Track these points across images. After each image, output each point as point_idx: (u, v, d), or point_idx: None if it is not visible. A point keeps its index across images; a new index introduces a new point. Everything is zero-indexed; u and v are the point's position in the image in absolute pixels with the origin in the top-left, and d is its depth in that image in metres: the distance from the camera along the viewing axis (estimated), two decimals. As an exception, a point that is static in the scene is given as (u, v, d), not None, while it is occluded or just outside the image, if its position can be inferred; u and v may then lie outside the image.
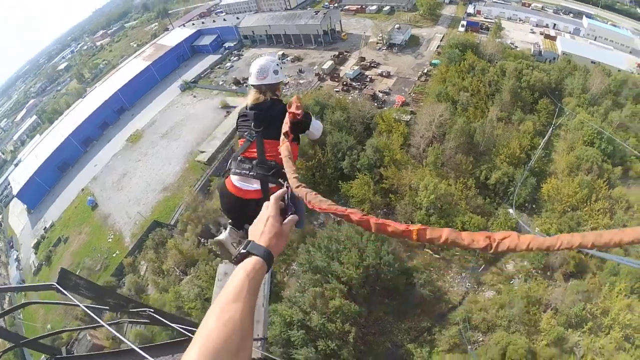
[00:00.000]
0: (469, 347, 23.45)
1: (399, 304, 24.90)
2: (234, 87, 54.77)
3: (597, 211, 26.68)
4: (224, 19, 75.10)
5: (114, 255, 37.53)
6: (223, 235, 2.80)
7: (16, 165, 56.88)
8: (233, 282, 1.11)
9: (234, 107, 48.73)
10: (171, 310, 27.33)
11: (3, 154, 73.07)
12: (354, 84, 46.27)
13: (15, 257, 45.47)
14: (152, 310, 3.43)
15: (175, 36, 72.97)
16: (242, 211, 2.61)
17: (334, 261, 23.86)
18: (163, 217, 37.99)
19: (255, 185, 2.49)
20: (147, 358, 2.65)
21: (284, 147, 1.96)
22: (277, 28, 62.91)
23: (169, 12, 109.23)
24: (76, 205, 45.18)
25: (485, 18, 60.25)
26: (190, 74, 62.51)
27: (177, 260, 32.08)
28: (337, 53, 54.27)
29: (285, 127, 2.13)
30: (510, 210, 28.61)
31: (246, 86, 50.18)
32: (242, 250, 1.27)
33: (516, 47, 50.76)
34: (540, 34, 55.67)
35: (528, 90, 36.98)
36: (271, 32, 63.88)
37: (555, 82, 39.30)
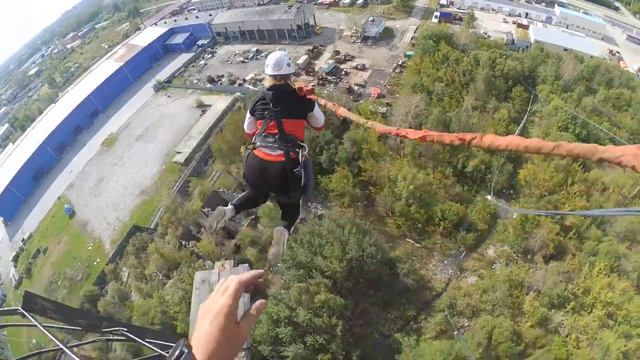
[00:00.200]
0: (456, 332, 23.80)
1: (383, 295, 25.07)
2: (208, 85, 53.84)
3: (573, 194, 27.38)
4: (197, 16, 73.85)
5: (94, 263, 36.62)
6: (216, 213, 3.39)
7: (-10, 176, 54.56)
8: None
9: (209, 105, 48.09)
10: (156, 316, 27.02)
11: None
12: (329, 77, 46.30)
13: (-6, 271, 43.77)
14: (125, 329, 3.27)
15: (147, 35, 71.17)
16: (265, 174, 3.18)
17: (317, 256, 23.82)
18: (142, 221, 37.23)
19: (279, 152, 3.13)
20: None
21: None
22: (250, 24, 62.09)
23: (140, 11, 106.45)
24: (53, 214, 43.79)
25: (458, 9, 61.09)
26: (163, 74, 61.25)
27: (159, 265, 31.48)
28: (311, 47, 54.15)
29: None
30: (489, 197, 29.11)
31: (249, 84, 49.83)
32: None
33: (489, 36, 51.66)
34: (513, 23, 56.89)
35: (502, 79, 37.64)
36: (245, 28, 62.97)
37: (528, 70, 40.16)
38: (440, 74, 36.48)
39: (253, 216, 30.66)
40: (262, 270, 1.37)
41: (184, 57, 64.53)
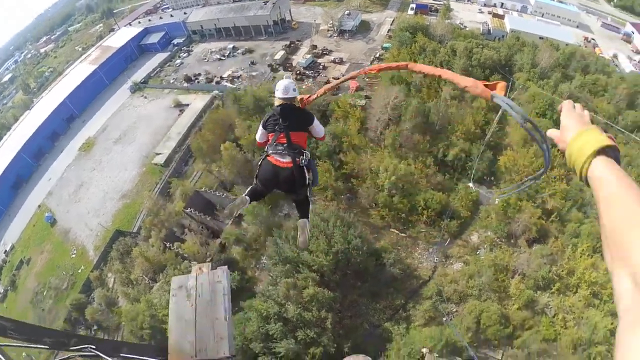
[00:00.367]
0: (445, 318, 24.30)
1: (371, 285, 25.33)
2: (185, 85, 52.93)
3: (553, 178, 28.00)
4: (171, 15, 72.22)
5: (79, 270, 35.85)
6: (237, 201, 4.06)
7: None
8: None
9: (187, 104, 47.29)
10: (145, 320, 26.71)
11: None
12: (307, 72, 46.19)
13: (-22, 286, 42.40)
14: (93, 346, 3.16)
15: (122, 36, 69.36)
16: (277, 177, 3.88)
17: (303, 251, 23.86)
18: (125, 226, 36.55)
19: (288, 159, 3.84)
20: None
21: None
22: (226, 21, 61.19)
23: (114, 11, 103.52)
24: (34, 224, 42.50)
25: (434, 0, 61.41)
26: (139, 75, 59.80)
27: (144, 268, 31.08)
28: (288, 42, 53.79)
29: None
30: (470, 184, 29.58)
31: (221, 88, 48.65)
32: None
33: (465, 27, 52.21)
34: (489, 13, 57.68)
35: (479, 68, 38.16)
36: (220, 25, 62.02)
37: (505, 58, 40.81)
38: (418, 65, 36.76)
39: (236, 215, 30.47)
40: None
41: (160, 57, 63.13)
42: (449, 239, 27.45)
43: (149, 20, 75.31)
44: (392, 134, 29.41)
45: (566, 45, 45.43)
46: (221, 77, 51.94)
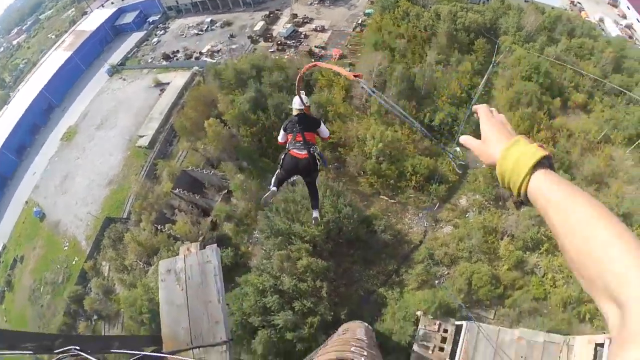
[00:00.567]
0: (437, 281, 24.79)
1: (363, 253, 25.60)
2: (164, 63, 51.53)
3: (540, 141, 27.71)
4: (145, -8, 69.57)
5: (73, 262, 35.82)
6: (269, 194, 5.70)
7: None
8: None
9: (167, 83, 46.20)
10: (143, 305, 26.86)
11: None
12: (288, 42, 45.08)
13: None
14: (77, 347, 2.97)
15: (95, 19, 66.71)
16: (297, 165, 5.53)
17: (295, 222, 23.91)
18: (114, 212, 36.32)
19: (305, 151, 5.43)
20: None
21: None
22: (202, -7, 59.13)
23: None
24: (24, 220, 42.10)
25: (416, -36, 59.64)
26: (116, 57, 58.11)
27: (138, 253, 31.05)
28: (267, 12, 52.20)
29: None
30: (457, 149, 29.57)
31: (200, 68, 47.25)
32: None
33: (449, -11, 50.95)
34: (472, -25, 56.14)
35: (464, 32, 37.42)
36: (196, -1, 59.91)
37: (490, 22, 39.92)
38: (402, 30, 35.96)
39: (225, 191, 30.30)
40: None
41: (136, 37, 61.22)
42: (438, 203, 27.60)
43: (122, -1, 72.42)
44: (377, 101, 28.99)
45: (552, 8, 44.59)
46: (200, 53, 50.67)
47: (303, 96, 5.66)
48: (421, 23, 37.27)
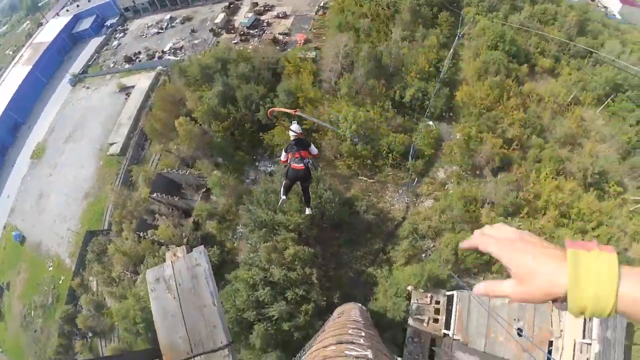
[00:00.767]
0: (423, 255, 25.27)
1: (349, 235, 25.79)
2: (127, 66, 49.98)
3: (511, 108, 28.37)
4: (99, -4, 67.01)
5: (60, 282, 35.15)
6: (282, 201, 10.00)
7: None
8: None
9: (132, 86, 45.02)
10: (136, 315, 26.66)
11: None
12: (251, 31, 44.14)
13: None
14: None
15: (51, 29, 63.92)
16: (297, 174, 8.47)
17: (277, 213, 23.84)
18: (95, 225, 35.57)
19: (301, 164, 8.29)
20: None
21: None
22: (158, -10, 57.30)
23: (39, 4, 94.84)
24: (4, 246, 40.82)
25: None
26: (77, 65, 56.09)
27: (124, 263, 30.52)
28: (227, 3, 50.90)
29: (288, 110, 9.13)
30: (430, 122, 29.91)
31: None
32: None
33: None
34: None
35: (426, 7, 37.11)
36: (152, -3, 58.07)
37: (452, -6, 39.84)
38: (365, 10, 35.57)
39: (204, 189, 29.93)
40: None
41: (95, 42, 59.19)
42: (416, 178, 27.85)
43: (77, 5, 69.38)
44: (346, 83, 28.85)
45: (513, -24, 44.88)
46: (163, 51, 49.31)
47: (296, 126, 8.74)
48: (383, 1, 36.99)
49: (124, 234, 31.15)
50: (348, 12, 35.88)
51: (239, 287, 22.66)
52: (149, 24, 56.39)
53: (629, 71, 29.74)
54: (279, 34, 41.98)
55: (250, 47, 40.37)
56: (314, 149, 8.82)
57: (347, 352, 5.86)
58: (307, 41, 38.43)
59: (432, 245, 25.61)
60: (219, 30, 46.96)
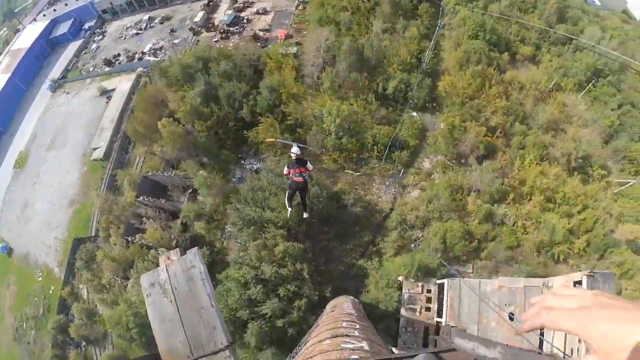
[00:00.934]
0: (412, 245, 25.42)
1: (337, 229, 25.86)
2: (106, 69, 49.12)
3: (493, 96, 28.56)
4: (76, -1, 65.68)
5: (50, 292, 34.76)
6: (288, 212, 13.91)
7: None
8: None
9: (113, 89, 44.38)
10: (129, 320, 26.57)
11: None
12: (231, 29, 43.74)
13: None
14: None
15: (29, 35, 62.44)
16: (297, 186, 12.13)
17: (265, 210, 23.79)
18: (82, 232, 35.14)
19: (300, 178, 11.83)
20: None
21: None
22: (135, -10, 56.26)
23: (15, 10, 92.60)
24: (-8, 259, 40.15)
25: None
26: (56, 71, 54.93)
27: (113, 269, 30.24)
28: (206, 1, 50.18)
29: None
30: (414, 113, 30.03)
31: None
32: None
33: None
34: None
35: (407, -2, 37.28)
36: (130, -3, 57.03)
37: (430, -15, 39.78)
38: (345, 3, 35.42)
39: (190, 190, 29.73)
40: None
41: (74, 46, 57.89)
42: (402, 170, 27.98)
43: (54, 10, 67.81)
44: (329, 77, 28.80)
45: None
46: (142, 53, 48.55)
47: (296, 148, 11.95)
48: (363, -9, 36.81)
49: (112, 240, 30.82)
50: (328, 5, 35.74)
51: (230, 287, 22.62)
52: (128, 25, 55.41)
53: (609, 56, 30.12)
54: (259, 30, 41.60)
55: (231, 44, 40.00)
56: (309, 166, 12.07)
57: (342, 345, 5.88)
58: (288, 36, 38.22)
59: (420, 235, 25.71)
60: (199, 28, 46.44)
